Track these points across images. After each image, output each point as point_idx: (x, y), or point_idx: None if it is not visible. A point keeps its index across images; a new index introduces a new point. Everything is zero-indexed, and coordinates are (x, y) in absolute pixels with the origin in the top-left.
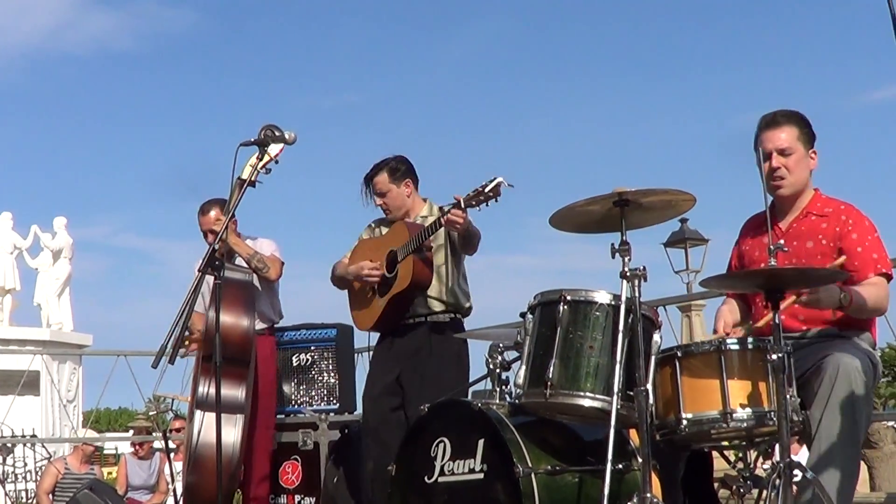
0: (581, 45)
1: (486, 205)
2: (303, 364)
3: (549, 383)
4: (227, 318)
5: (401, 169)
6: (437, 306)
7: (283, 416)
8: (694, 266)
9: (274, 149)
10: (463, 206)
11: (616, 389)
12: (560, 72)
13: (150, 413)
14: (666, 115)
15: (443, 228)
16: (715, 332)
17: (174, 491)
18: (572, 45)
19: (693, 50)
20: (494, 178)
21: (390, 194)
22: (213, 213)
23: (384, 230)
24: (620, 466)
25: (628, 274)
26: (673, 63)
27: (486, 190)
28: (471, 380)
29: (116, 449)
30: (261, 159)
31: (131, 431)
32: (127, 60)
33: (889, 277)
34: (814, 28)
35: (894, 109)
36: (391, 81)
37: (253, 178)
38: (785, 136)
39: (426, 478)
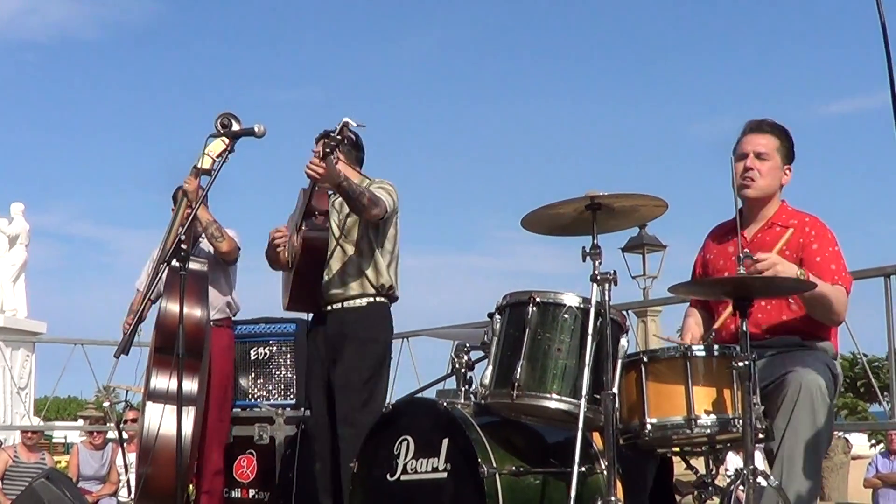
0: (542, 46)
1: (338, 148)
2: (261, 358)
3: (515, 384)
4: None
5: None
6: (353, 289)
7: (239, 409)
8: (651, 272)
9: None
10: (320, 154)
11: (584, 392)
12: (521, 69)
13: (104, 404)
14: (625, 119)
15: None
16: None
17: (127, 482)
18: (534, 45)
19: (658, 56)
20: (342, 120)
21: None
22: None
23: None
24: (583, 469)
25: (599, 277)
26: (635, 68)
27: (335, 133)
28: (432, 379)
29: (66, 438)
30: (228, 150)
31: (80, 420)
32: (89, 49)
33: (846, 291)
34: (776, 41)
35: (850, 123)
36: (353, 75)
37: (211, 168)
38: (765, 142)
39: (388, 475)
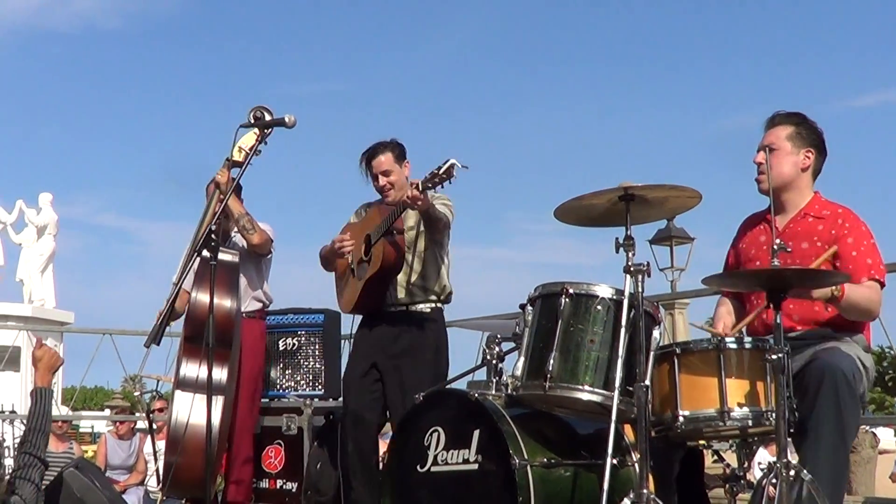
0: (571, 43)
1: (442, 186)
2: (289, 348)
3: (548, 376)
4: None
5: (402, 151)
6: (418, 295)
7: (267, 400)
8: (679, 264)
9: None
10: (420, 188)
11: (617, 384)
12: (546, 64)
13: (135, 393)
14: (651, 113)
15: (416, 216)
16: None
17: (157, 471)
18: (563, 41)
19: (683, 51)
20: (448, 160)
21: (395, 174)
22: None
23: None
24: (615, 462)
25: (632, 269)
26: (661, 62)
27: (441, 172)
28: (462, 370)
29: (93, 427)
30: (260, 141)
31: (107, 410)
32: (114, 39)
33: (882, 284)
34: (806, 34)
35: (879, 115)
36: (381, 69)
37: (243, 161)
38: (775, 133)
39: (419, 467)
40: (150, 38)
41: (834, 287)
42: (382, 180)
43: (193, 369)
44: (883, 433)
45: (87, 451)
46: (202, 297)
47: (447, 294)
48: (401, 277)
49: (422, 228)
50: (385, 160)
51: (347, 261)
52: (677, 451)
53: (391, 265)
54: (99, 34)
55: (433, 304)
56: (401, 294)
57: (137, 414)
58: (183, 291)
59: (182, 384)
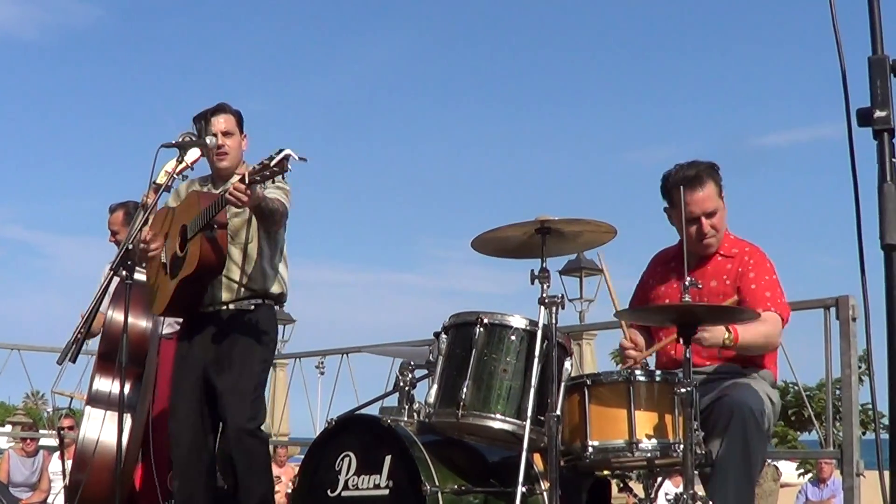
0: (485, 72)
1: (273, 181)
2: None
3: (461, 404)
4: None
5: (242, 119)
6: (241, 292)
7: None
8: (588, 295)
9: (191, 156)
10: (247, 181)
11: (529, 414)
12: (460, 95)
13: (47, 410)
14: (561, 145)
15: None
16: (624, 340)
17: (64, 489)
18: (463, 70)
19: (590, 85)
20: (281, 151)
21: (234, 139)
22: (118, 214)
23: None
24: (524, 490)
25: (546, 301)
26: (570, 96)
27: (272, 164)
28: (374, 395)
29: None
30: (179, 163)
31: (9, 426)
32: (30, 50)
33: (781, 318)
34: (713, 72)
35: (781, 155)
36: (295, 91)
37: (168, 184)
38: (708, 196)
39: (329, 491)
40: (67, 51)
41: (726, 336)
42: (221, 139)
43: (106, 385)
44: (785, 466)
45: None
46: (118, 316)
47: (277, 293)
48: (224, 273)
49: (250, 216)
50: (226, 120)
51: (160, 257)
52: (585, 481)
53: (209, 268)
54: (13, 44)
55: (258, 301)
56: (224, 295)
57: (44, 431)
58: (99, 313)
59: (94, 399)
